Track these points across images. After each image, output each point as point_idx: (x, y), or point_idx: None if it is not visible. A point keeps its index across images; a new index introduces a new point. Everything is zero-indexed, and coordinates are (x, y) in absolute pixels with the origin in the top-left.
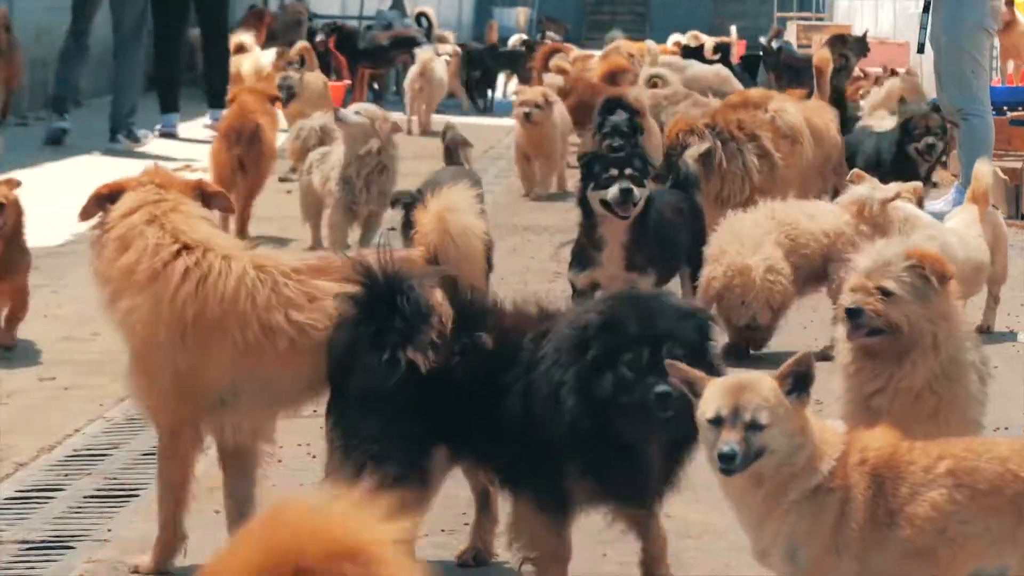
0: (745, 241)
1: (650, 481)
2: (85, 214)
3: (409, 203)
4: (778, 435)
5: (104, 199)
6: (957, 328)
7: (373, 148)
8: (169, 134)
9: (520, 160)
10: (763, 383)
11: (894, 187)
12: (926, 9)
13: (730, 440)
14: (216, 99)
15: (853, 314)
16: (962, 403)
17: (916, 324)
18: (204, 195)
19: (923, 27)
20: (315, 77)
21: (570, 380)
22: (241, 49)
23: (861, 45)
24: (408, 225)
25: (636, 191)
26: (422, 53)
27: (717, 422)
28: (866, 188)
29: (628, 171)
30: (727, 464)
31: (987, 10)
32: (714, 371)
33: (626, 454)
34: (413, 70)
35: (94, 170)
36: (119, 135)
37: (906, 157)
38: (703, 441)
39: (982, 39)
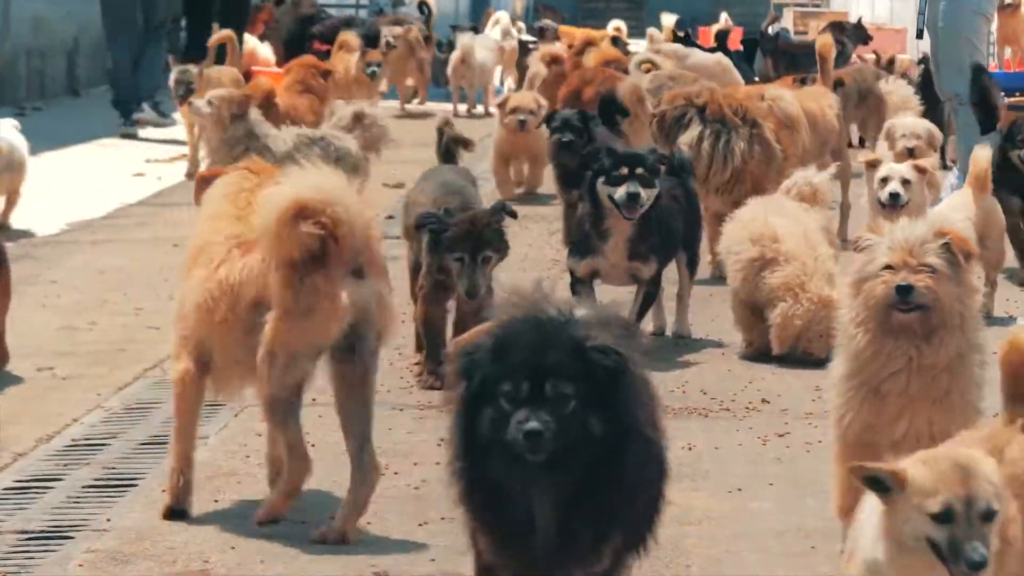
0: (814, 271)
1: (532, 539)
2: (195, 196)
3: (434, 230)
4: (1001, 515)
5: (205, 181)
6: (976, 308)
7: (228, 136)
8: None
9: (499, 165)
10: (986, 464)
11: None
12: None
13: (978, 545)
14: None
15: (904, 291)
16: (964, 386)
17: (950, 302)
18: None
19: (921, 13)
20: (224, 71)
21: (455, 411)
22: (344, 47)
23: (858, 32)
24: (436, 246)
25: (644, 193)
26: (463, 39)
27: (947, 518)
28: (809, 173)
29: (639, 170)
30: (977, 571)
31: None
32: (626, 418)
33: (503, 502)
34: (455, 56)
35: (92, 159)
36: (144, 104)
37: (1009, 164)
38: (919, 536)
39: (980, 25)
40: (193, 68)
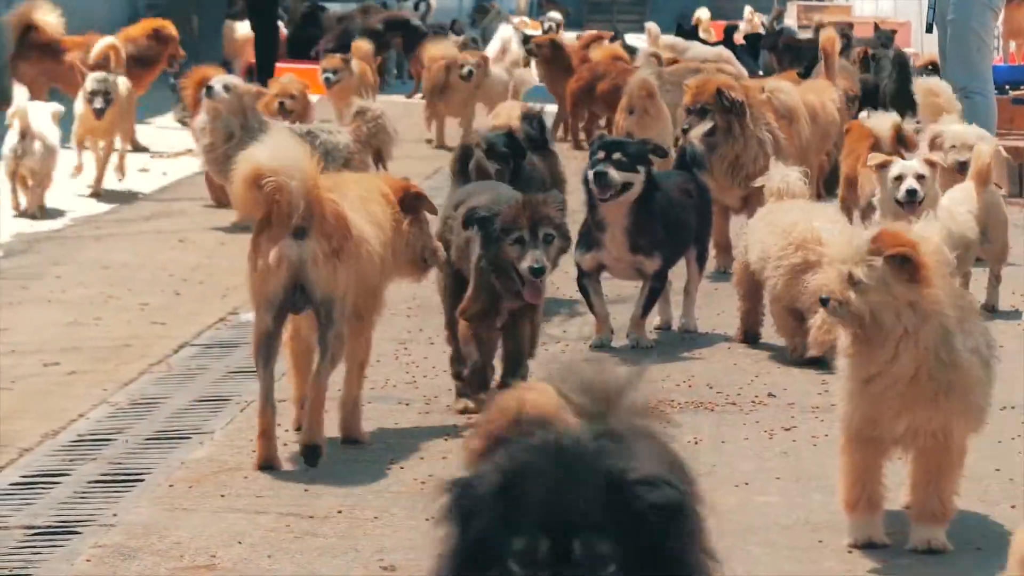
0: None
1: None
2: None
3: (484, 218)
4: None
5: None
6: (936, 315)
7: (235, 124)
8: None
9: None
10: None
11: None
12: None
13: None
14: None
15: (823, 303)
16: (962, 388)
17: (879, 313)
18: (407, 195)
19: (931, 7)
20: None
21: (441, 567)
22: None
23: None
24: (488, 239)
25: (613, 174)
26: (504, 30)
27: None
28: (784, 170)
29: (616, 155)
30: None
31: None
32: None
33: None
34: (495, 48)
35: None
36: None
37: None
38: None
39: (988, 18)
40: (110, 76)
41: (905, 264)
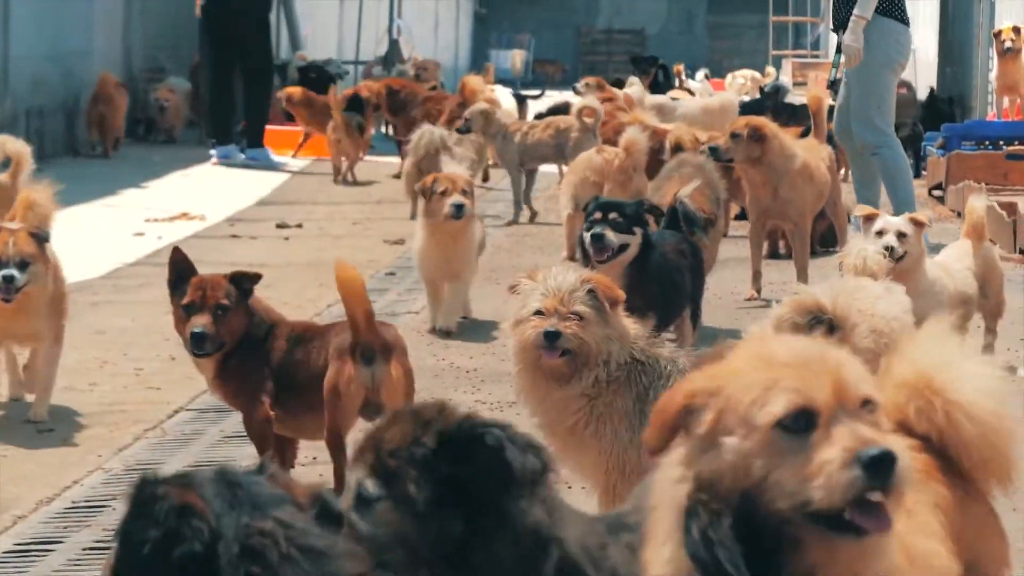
0: None
1: None
2: None
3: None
4: None
5: None
6: (628, 343)
7: None
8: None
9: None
10: None
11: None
12: (839, 50)
13: None
14: (255, 138)
15: (552, 336)
16: (606, 418)
17: (596, 344)
18: None
19: (835, 66)
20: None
21: None
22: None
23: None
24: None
25: (611, 236)
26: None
27: None
28: (858, 244)
29: (612, 215)
30: None
31: (897, 48)
32: None
33: None
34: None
35: (92, 220)
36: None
37: None
38: None
39: (889, 79)
40: None
41: (611, 301)
